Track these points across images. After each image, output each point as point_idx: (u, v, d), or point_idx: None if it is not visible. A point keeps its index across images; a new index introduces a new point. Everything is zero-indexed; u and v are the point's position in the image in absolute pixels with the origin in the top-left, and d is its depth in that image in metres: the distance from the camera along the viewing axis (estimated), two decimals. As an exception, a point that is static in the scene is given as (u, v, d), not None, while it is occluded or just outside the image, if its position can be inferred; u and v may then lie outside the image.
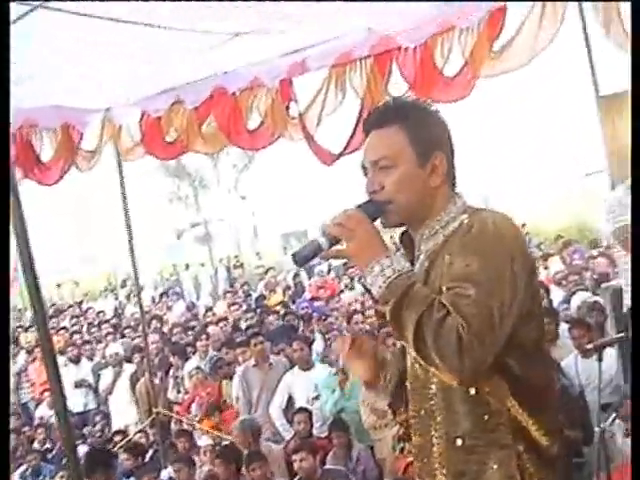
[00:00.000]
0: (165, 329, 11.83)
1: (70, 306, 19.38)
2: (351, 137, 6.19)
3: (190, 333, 10.54)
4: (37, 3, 4.26)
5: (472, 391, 1.96)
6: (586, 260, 10.25)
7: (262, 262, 24.01)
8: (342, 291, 13.86)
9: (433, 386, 2.06)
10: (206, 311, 13.32)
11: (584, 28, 5.18)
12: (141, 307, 8.03)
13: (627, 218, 4.37)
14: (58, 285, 27.74)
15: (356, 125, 6.15)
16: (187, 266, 26.48)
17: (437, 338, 1.84)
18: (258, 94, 6.35)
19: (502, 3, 4.99)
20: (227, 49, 5.62)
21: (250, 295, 15.26)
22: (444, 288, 1.93)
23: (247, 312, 11.40)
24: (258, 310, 11.39)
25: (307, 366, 7.05)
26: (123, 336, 11.90)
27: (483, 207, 2.18)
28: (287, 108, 6.33)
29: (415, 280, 1.96)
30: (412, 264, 2.13)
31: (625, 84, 4.74)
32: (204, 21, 5.07)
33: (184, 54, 5.67)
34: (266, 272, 17.55)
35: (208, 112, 6.42)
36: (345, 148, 6.29)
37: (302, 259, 2.04)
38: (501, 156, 26.54)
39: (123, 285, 25.45)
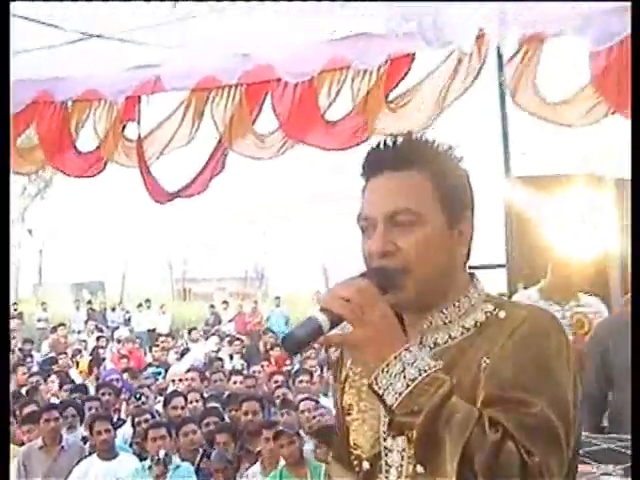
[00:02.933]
0: None
1: None
2: (198, 175, 6.18)
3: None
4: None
5: None
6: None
7: (47, 315, 23.28)
8: (150, 364, 13.58)
9: None
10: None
11: (501, 95, 5.43)
12: None
13: None
14: None
15: (207, 163, 6.14)
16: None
17: (494, 467, 1.65)
18: (94, 108, 6.23)
19: (409, 51, 5.16)
20: (65, 50, 5.50)
21: (32, 355, 14.64)
22: (481, 397, 1.75)
23: (32, 377, 10.87)
24: (52, 377, 10.87)
25: (109, 455, 6.79)
26: None
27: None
28: (124, 128, 6.25)
29: (452, 386, 1.73)
30: None
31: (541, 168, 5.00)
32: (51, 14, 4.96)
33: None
34: (54, 329, 16.96)
35: (28, 121, 6.22)
36: (186, 188, 6.27)
37: (297, 343, 1.78)
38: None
39: None
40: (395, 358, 1.75)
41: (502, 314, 1.90)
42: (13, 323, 22.25)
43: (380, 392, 1.75)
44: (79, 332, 20.32)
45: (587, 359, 4.37)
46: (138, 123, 6.22)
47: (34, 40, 5.25)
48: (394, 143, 1.94)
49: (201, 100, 6.00)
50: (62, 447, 7.15)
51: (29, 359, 14.14)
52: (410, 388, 1.72)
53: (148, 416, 7.59)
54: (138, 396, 8.59)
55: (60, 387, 10.08)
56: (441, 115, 5.08)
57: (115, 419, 8.23)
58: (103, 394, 8.95)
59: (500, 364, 1.78)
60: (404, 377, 1.73)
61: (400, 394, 1.72)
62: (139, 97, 6.13)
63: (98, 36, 5.20)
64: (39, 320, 22.84)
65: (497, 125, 5.54)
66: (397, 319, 1.87)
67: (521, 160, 5.59)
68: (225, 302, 24.61)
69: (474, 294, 1.96)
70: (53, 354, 14.72)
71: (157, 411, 8.24)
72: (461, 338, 1.91)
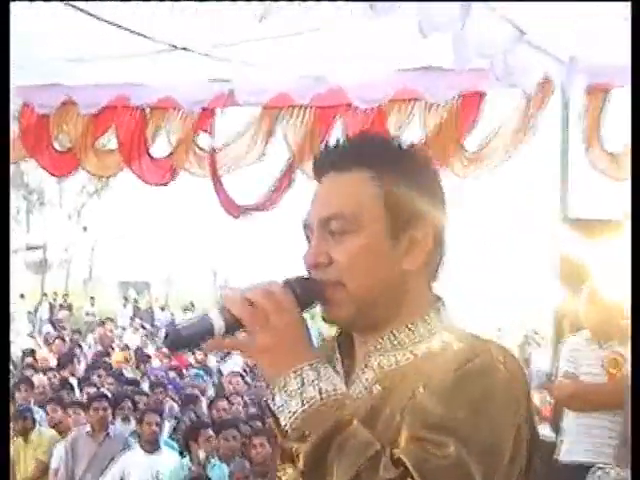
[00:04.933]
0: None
1: None
2: (269, 191, 6.27)
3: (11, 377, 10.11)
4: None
5: None
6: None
7: (94, 309, 23.53)
8: (191, 365, 13.69)
9: None
10: (24, 354, 12.84)
11: (564, 139, 5.46)
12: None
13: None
14: None
15: (278, 180, 6.23)
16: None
17: None
18: (169, 116, 6.35)
19: (480, 89, 5.22)
20: (147, 58, 5.62)
21: (80, 346, 14.85)
22: (406, 433, 1.47)
23: (78, 365, 11.07)
24: (98, 368, 11.05)
25: (153, 448, 6.89)
26: None
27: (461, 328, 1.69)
28: (197, 138, 6.36)
29: (353, 414, 1.49)
30: (346, 384, 1.62)
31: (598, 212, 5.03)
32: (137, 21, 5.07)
33: (93, 50, 5.56)
34: (102, 323, 17.16)
35: (107, 123, 6.36)
36: (258, 202, 6.35)
37: (182, 341, 1.56)
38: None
39: None
40: (295, 373, 1.51)
41: (458, 346, 1.58)
42: (62, 314, 22.63)
43: (274, 409, 1.52)
44: (124, 328, 20.54)
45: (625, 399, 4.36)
46: (212, 135, 6.34)
47: (113, 47, 5.35)
48: (344, 141, 1.68)
49: (272, 118, 6.11)
50: (108, 434, 7.30)
51: (78, 349, 14.35)
52: (304, 408, 1.47)
53: (193, 415, 7.69)
54: (185, 395, 8.71)
55: (111, 379, 10.23)
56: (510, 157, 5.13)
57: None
58: (152, 389, 9.09)
59: (431, 399, 1.49)
60: (301, 395, 1.49)
61: (294, 414, 1.48)
62: (213, 110, 6.25)
63: (184, 49, 5.31)
64: (87, 314, 23.11)
65: (556, 168, 5.55)
66: (348, 338, 1.70)
67: (578, 204, 5.59)
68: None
69: (434, 320, 1.63)
70: (100, 347, 14.90)
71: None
72: (406, 363, 1.60)
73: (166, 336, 1.55)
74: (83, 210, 34.47)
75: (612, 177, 5.09)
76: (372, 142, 1.70)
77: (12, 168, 30.34)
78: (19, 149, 6.65)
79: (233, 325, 1.53)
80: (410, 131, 5.57)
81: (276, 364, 1.52)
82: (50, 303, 24.48)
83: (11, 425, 7.09)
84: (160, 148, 6.41)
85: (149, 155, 6.37)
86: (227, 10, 4.36)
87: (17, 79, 6.21)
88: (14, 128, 6.66)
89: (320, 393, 1.48)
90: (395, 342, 1.62)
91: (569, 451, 4.83)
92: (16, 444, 7.52)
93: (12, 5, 4.58)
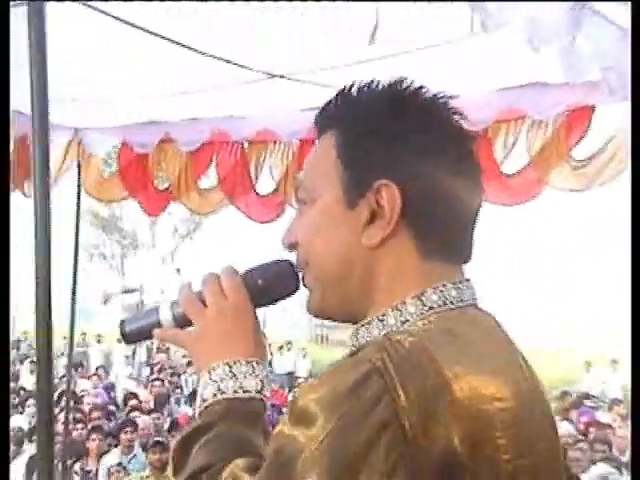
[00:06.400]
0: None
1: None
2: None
3: (112, 420, 10.26)
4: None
5: None
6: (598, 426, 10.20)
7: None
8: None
9: None
10: (125, 397, 13.01)
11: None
12: (50, 378, 7.76)
13: None
14: None
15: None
16: (99, 338, 26.00)
17: None
18: (269, 150, 6.31)
19: (588, 102, 5.06)
20: (243, 89, 5.58)
21: (181, 388, 14.97)
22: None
23: (177, 406, 11.15)
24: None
25: None
26: (22, 408, 11.54)
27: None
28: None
29: (227, 420, 1.35)
30: None
31: None
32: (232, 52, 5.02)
33: (188, 83, 5.54)
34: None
35: (208, 159, 6.36)
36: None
37: (131, 334, 1.50)
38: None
39: (16, 346, 24.86)
40: (225, 365, 1.39)
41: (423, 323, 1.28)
42: (159, 357, 22.83)
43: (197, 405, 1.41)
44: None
45: None
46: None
47: (208, 78, 5.28)
48: (334, 101, 1.42)
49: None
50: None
51: (178, 390, 14.47)
52: (206, 404, 1.38)
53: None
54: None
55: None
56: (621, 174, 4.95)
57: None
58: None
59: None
60: (216, 388, 1.38)
61: (204, 402, 1.39)
62: (314, 140, 6.17)
63: (281, 76, 5.27)
64: (184, 356, 23.25)
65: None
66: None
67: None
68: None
69: (410, 310, 1.30)
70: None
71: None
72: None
73: (122, 326, 1.50)
74: (176, 252, 35.01)
75: None
76: (356, 99, 1.38)
77: (106, 212, 30.97)
78: (118, 189, 6.71)
79: (182, 319, 1.45)
80: (516, 149, 5.42)
81: (202, 358, 1.42)
82: (147, 346, 24.76)
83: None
84: (265, 184, 6.33)
85: (255, 191, 6.30)
86: (329, 33, 4.30)
87: (114, 119, 6.30)
88: (111, 169, 6.75)
89: (217, 391, 1.37)
90: (368, 337, 1.32)
91: None
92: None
93: (105, 47, 4.63)
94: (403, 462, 1.06)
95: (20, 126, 5.33)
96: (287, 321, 36.05)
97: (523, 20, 3.83)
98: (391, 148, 1.31)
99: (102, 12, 4.10)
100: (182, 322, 1.45)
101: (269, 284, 1.46)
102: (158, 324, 1.47)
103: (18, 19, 2.93)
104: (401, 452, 1.07)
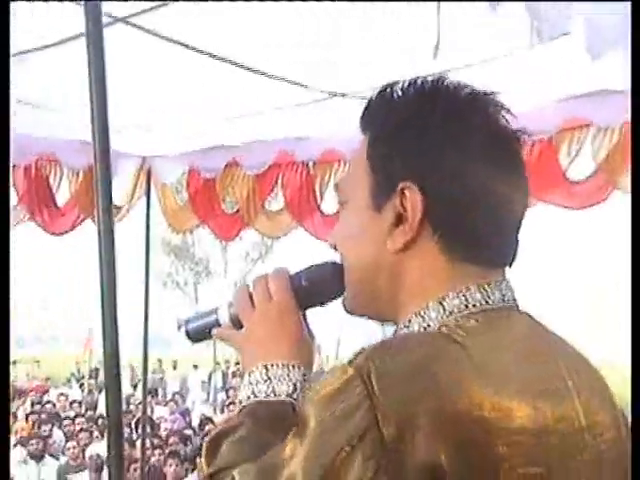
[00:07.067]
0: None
1: (31, 390, 19.13)
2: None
3: (189, 444, 10.38)
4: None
5: None
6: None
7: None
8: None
9: None
10: (202, 422, 13.13)
11: None
12: (127, 405, 7.92)
13: None
14: (13, 362, 27.45)
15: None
16: (175, 365, 26.29)
17: None
18: (334, 170, 6.35)
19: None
20: (307, 109, 5.62)
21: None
22: None
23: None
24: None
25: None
26: (102, 435, 11.72)
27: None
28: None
29: (252, 422, 1.35)
30: None
31: None
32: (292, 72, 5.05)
33: (251, 104, 5.56)
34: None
35: (273, 182, 6.42)
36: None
37: (193, 332, 1.54)
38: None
39: (94, 375, 25.20)
40: (263, 367, 1.40)
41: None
42: (235, 381, 22.99)
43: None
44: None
45: None
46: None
47: (271, 99, 5.32)
48: (371, 101, 1.39)
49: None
50: None
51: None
52: (240, 406, 1.41)
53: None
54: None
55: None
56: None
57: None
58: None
59: None
60: (251, 391, 1.40)
61: (240, 403, 1.41)
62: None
63: (343, 95, 5.31)
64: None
65: None
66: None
67: None
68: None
69: (432, 315, 1.27)
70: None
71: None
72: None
73: (183, 326, 1.54)
74: (249, 276, 35.24)
75: None
76: (384, 97, 1.35)
77: (178, 239, 31.28)
78: (190, 217, 6.80)
79: (237, 319, 1.48)
80: (580, 158, 5.39)
81: (247, 358, 1.44)
82: (222, 371, 24.98)
83: None
84: (330, 203, 6.37)
85: (320, 211, 6.32)
86: (391, 50, 4.33)
87: (179, 145, 6.40)
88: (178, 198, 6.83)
89: (266, 394, 1.37)
90: None
91: None
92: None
93: (167, 71, 4.70)
94: (382, 469, 1.06)
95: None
96: (359, 343, 36.12)
97: (583, 28, 3.83)
98: (417, 149, 1.27)
99: (164, 38, 4.19)
100: (237, 322, 1.48)
101: (313, 285, 1.46)
102: (217, 324, 1.50)
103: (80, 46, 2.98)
104: (379, 459, 1.06)
